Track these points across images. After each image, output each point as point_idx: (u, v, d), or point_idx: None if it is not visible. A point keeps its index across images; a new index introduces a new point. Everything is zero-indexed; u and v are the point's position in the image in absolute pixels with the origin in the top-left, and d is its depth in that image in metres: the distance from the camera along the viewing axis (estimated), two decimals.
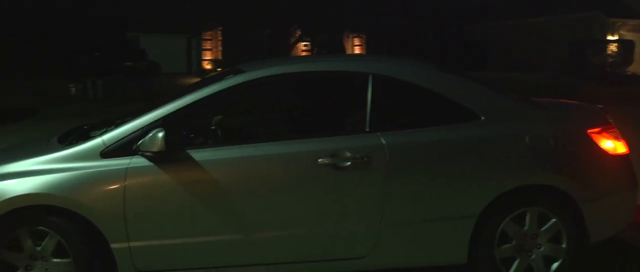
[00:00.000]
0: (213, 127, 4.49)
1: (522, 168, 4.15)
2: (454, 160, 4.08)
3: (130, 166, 3.79)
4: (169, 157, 3.78)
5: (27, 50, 24.07)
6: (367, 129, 4.05)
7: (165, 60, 33.16)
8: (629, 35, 34.32)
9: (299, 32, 29.67)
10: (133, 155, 3.83)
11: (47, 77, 21.79)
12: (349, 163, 3.92)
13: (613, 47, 32.32)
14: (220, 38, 36.49)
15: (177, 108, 3.96)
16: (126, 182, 3.77)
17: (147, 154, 3.75)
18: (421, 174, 4.04)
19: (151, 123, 3.89)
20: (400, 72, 4.23)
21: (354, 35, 35.38)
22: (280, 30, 28.63)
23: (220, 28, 33.01)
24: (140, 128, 3.88)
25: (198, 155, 3.86)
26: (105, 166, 3.80)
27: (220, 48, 36.94)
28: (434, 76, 4.30)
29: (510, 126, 4.19)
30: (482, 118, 4.16)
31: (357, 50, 39.48)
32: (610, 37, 33.91)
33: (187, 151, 3.87)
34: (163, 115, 3.92)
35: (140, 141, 3.80)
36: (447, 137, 4.09)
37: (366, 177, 3.96)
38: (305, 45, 35.70)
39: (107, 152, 3.84)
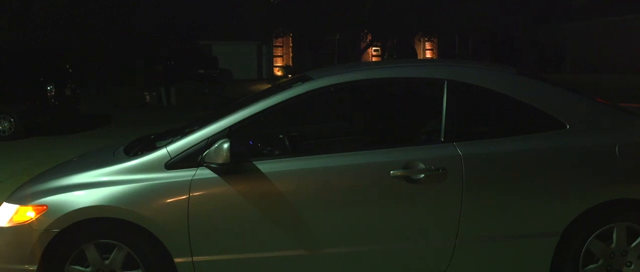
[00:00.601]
0: (280, 137, 4.35)
1: (610, 181, 3.83)
2: (536, 172, 3.79)
3: (194, 177, 3.68)
4: (234, 168, 3.64)
5: (102, 59, 24.73)
6: (442, 139, 3.82)
7: (237, 67, 33.65)
8: None
9: (369, 37, 29.41)
10: (198, 167, 3.71)
11: (120, 85, 22.30)
12: (422, 175, 3.70)
13: None
14: (290, 44, 36.66)
15: (243, 117, 3.82)
16: (190, 195, 3.66)
17: (212, 165, 3.63)
18: (500, 188, 3.78)
19: (216, 133, 3.76)
20: (478, 78, 3.97)
21: (426, 39, 34.84)
22: (350, 35, 28.41)
23: (290, 34, 33.11)
24: (205, 139, 3.76)
25: (264, 167, 3.71)
26: (170, 177, 3.70)
27: (290, 54, 37.12)
28: (515, 82, 4.01)
29: (598, 135, 3.88)
30: (568, 127, 3.86)
31: (428, 55, 38.93)
32: None
33: (253, 162, 3.73)
34: (228, 125, 3.79)
35: (205, 152, 3.68)
36: (528, 147, 3.80)
37: (441, 190, 3.73)
38: (375, 50, 35.43)
39: (172, 163, 3.74)
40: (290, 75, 32.53)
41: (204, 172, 3.69)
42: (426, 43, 37.92)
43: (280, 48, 37.13)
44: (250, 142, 4.16)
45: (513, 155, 3.79)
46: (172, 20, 28.91)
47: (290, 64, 36.55)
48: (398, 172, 3.69)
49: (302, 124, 4.78)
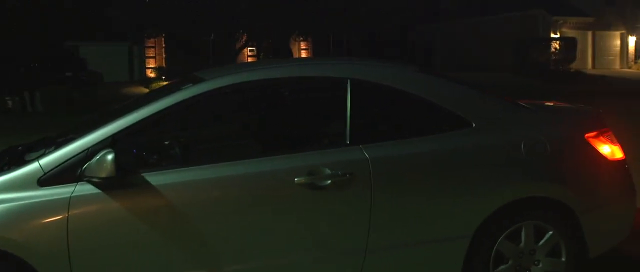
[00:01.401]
0: (169, 144, 3.94)
1: (517, 179, 3.76)
2: (446, 173, 3.65)
3: (74, 194, 3.20)
4: (120, 182, 3.21)
5: None
6: (348, 142, 3.57)
7: (107, 69, 32.16)
8: (570, 33, 34.92)
9: (244, 37, 29.00)
10: (77, 182, 3.23)
11: None
12: (329, 181, 3.43)
13: (556, 45, 32.83)
14: (163, 45, 35.54)
15: (128, 124, 3.37)
16: (70, 215, 3.18)
17: (94, 180, 3.17)
18: (409, 191, 3.60)
19: (98, 143, 3.29)
20: (381, 76, 3.76)
21: (301, 39, 34.87)
22: (226, 35, 27.88)
23: (163, 35, 32.05)
24: (85, 149, 3.28)
25: (154, 179, 3.29)
26: (44, 195, 3.19)
27: (164, 55, 35.99)
28: (419, 80, 3.85)
29: (504, 133, 3.79)
30: (474, 125, 3.74)
31: (303, 55, 39.02)
32: (552, 35, 34.40)
33: (142, 174, 3.31)
34: (112, 133, 3.34)
35: (86, 165, 3.21)
36: (436, 148, 3.65)
37: (349, 197, 3.49)
38: (251, 50, 35.04)
39: (46, 179, 3.22)
40: (164, 77, 31.54)
41: (84, 188, 3.22)
42: (301, 43, 37.98)
43: (152, 49, 35.90)
44: (135, 151, 3.73)
45: (421, 156, 3.61)
46: (33, 20, 27.13)
47: (164, 65, 35.42)
48: (302, 179, 3.41)
49: (190, 129, 4.38)
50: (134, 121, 3.38)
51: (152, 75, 34.13)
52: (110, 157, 3.11)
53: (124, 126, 3.36)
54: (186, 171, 3.38)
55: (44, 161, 3.27)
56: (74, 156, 3.26)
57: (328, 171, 3.44)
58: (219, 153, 4.04)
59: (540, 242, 3.84)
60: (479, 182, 3.66)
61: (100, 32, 31.13)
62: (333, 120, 3.70)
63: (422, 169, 3.61)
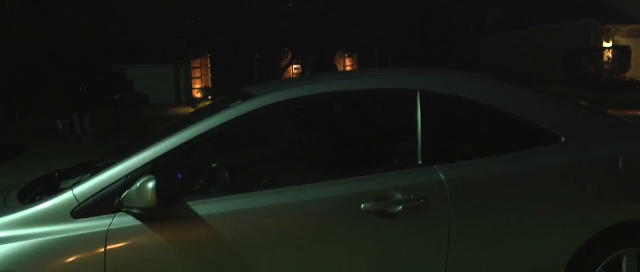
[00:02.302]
0: (216, 168, 3.55)
1: (616, 200, 3.24)
2: (533, 196, 3.16)
3: (111, 227, 2.82)
4: (163, 213, 2.82)
5: (10, 88, 23.10)
6: (420, 162, 3.12)
7: (154, 91, 32.40)
8: (623, 41, 33.75)
9: (289, 55, 28.78)
10: (116, 213, 2.86)
11: (32, 115, 20.83)
12: (400, 208, 2.98)
13: (609, 54, 31.78)
14: (209, 65, 35.61)
15: (171, 148, 2.99)
16: (108, 250, 2.80)
17: (134, 211, 2.79)
18: (492, 217, 3.11)
19: (138, 169, 2.92)
20: (456, 87, 3.30)
21: (346, 55, 34.50)
22: (271, 53, 27.71)
23: (208, 55, 32.09)
24: (124, 176, 2.90)
25: (202, 208, 2.89)
26: (79, 229, 2.82)
27: (209, 75, 36.04)
28: (499, 90, 3.37)
29: (598, 148, 3.28)
30: (563, 140, 3.24)
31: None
32: (605, 44, 33.32)
33: (187, 203, 2.91)
34: (153, 158, 2.96)
35: (125, 194, 2.84)
36: (522, 167, 3.16)
37: (424, 225, 3.03)
38: (296, 68, 34.83)
39: (81, 210, 2.85)
40: (210, 97, 31.52)
41: (123, 220, 2.84)
42: (347, 59, 37.62)
43: (198, 70, 35.98)
44: (180, 176, 3.35)
45: (504, 177, 3.14)
46: (81, 44, 27.47)
47: (210, 85, 35.45)
48: (370, 206, 2.96)
49: (241, 152, 3.99)
50: (178, 144, 2.99)
51: (199, 95, 34.16)
52: (151, 185, 2.72)
53: (167, 150, 2.98)
54: (237, 198, 2.97)
55: (79, 190, 2.90)
56: (111, 184, 2.89)
57: (399, 196, 2.99)
58: (273, 178, 3.61)
59: None
60: (572, 204, 3.16)
61: (147, 54, 31.39)
62: (403, 138, 3.27)
63: (505, 192, 3.13)
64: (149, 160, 2.94)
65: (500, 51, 36.74)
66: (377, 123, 3.64)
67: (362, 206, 2.96)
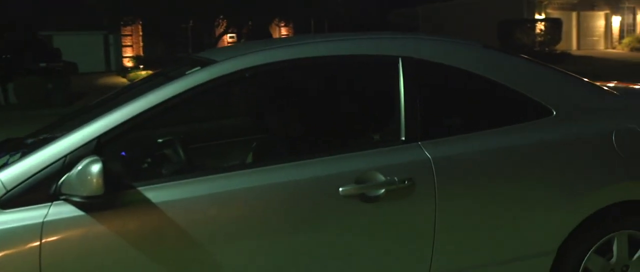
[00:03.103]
0: (169, 146, 3.12)
1: (610, 179, 2.98)
2: (524, 175, 2.87)
3: (47, 219, 2.36)
4: (110, 201, 2.38)
5: None
6: (403, 138, 2.77)
7: (82, 59, 31.16)
8: (556, 14, 34.37)
9: (224, 23, 27.96)
10: (52, 201, 2.39)
11: None
12: (382, 191, 2.64)
13: (541, 26, 32.29)
14: (140, 33, 34.39)
15: (120, 121, 2.51)
16: (43, 245, 2.35)
17: (75, 199, 2.34)
18: (481, 199, 2.81)
19: (79, 148, 2.44)
20: (441, 54, 2.95)
21: (282, 24, 33.86)
22: (206, 22, 26.87)
23: (140, 22, 30.90)
24: (62, 157, 2.44)
25: (156, 194, 2.46)
26: (7, 222, 2.34)
27: (141, 44, 34.84)
28: (487, 58, 3.04)
29: (592, 122, 3.02)
30: (554, 113, 2.95)
31: None
32: (537, 16, 33.84)
33: (138, 188, 2.48)
34: (98, 133, 2.48)
35: (64, 178, 2.38)
36: (513, 143, 2.86)
37: (408, 209, 2.69)
38: (231, 37, 34.00)
39: (10, 199, 2.36)
40: (142, 66, 30.48)
41: (62, 210, 2.37)
42: (282, 28, 36.99)
43: (129, 37, 34.68)
44: (123, 154, 2.90)
45: (494, 154, 2.83)
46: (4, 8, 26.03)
47: (142, 54, 34.27)
48: (350, 189, 2.60)
49: (203, 129, 3.53)
50: (128, 117, 2.51)
51: (130, 64, 32.99)
52: (96, 168, 2.27)
53: (116, 124, 2.50)
54: (196, 182, 2.54)
55: (6, 174, 2.42)
56: (46, 167, 2.41)
57: (381, 178, 2.64)
58: (236, 158, 3.19)
59: (635, 256, 3.09)
60: (565, 183, 2.89)
61: (74, 21, 30.10)
62: (383, 111, 2.91)
63: (495, 171, 2.83)
64: (93, 137, 2.47)
65: (436, 21, 36.85)
66: (354, 94, 3.27)
67: (340, 189, 2.60)
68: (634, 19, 36.26)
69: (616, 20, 36.37)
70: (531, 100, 2.94)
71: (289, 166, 2.64)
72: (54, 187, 2.38)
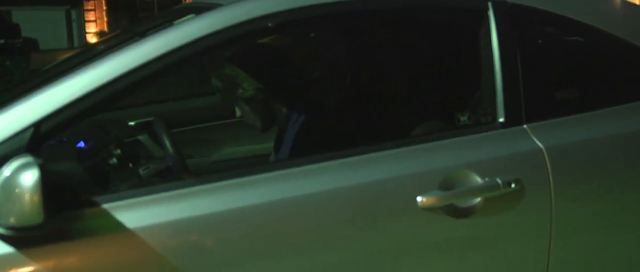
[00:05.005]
0: (145, 131, 2.17)
1: None
2: None
3: None
4: (56, 229, 1.43)
5: None
6: (502, 119, 1.86)
7: (43, 35, 29.95)
8: None
9: None
10: None
11: None
12: (478, 200, 1.74)
13: None
14: (104, 8, 33.16)
15: (75, 97, 1.54)
16: None
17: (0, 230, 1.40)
18: (612, 206, 1.93)
19: (1, 143, 1.50)
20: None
21: None
22: None
23: None
24: None
25: (133, 214, 1.52)
26: None
27: (105, 19, 33.63)
28: (613, 7, 2.15)
29: None
30: None
31: None
32: None
33: (103, 204, 1.53)
34: (35, 119, 1.51)
35: None
36: None
37: (516, 222, 1.80)
38: None
39: None
40: None
41: None
42: None
43: (92, 12, 33.42)
44: (83, 145, 1.95)
45: (631, 140, 1.95)
46: None
47: (106, 29, 33.08)
48: (431, 199, 1.69)
49: (200, 106, 2.56)
50: (88, 90, 1.55)
51: (94, 40, 31.86)
52: (30, 178, 1.33)
53: (67, 101, 1.54)
54: (195, 192, 1.61)
55: None
56: None
57: (477, 179, 1.74)
58: (250, 152, 2.23)
59: None
60: None
61: None
62: (471, 81, 2.00)
63: (632, 165, 1.95)
64: (27, 124, 1.51)
65: None
66: (428, 58, 2.33)
67: (418, 198, 1.68)
68: None
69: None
70: None
71: (335, 165, 1.71)
72: None
